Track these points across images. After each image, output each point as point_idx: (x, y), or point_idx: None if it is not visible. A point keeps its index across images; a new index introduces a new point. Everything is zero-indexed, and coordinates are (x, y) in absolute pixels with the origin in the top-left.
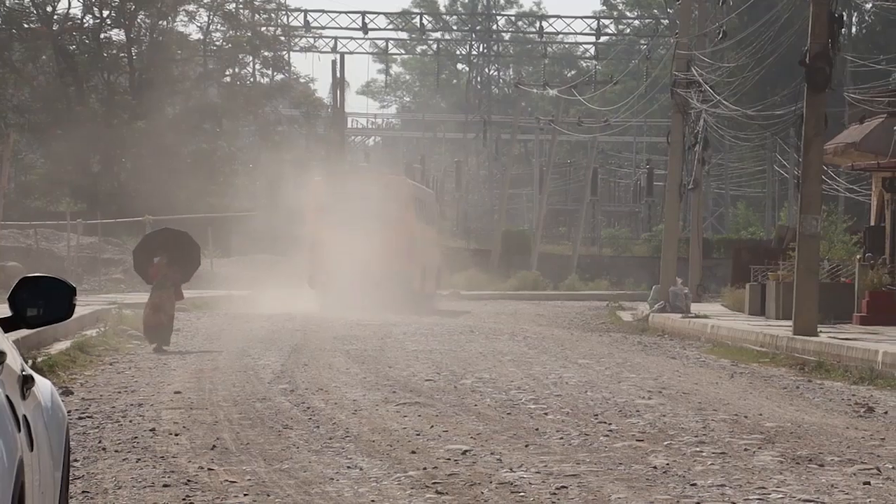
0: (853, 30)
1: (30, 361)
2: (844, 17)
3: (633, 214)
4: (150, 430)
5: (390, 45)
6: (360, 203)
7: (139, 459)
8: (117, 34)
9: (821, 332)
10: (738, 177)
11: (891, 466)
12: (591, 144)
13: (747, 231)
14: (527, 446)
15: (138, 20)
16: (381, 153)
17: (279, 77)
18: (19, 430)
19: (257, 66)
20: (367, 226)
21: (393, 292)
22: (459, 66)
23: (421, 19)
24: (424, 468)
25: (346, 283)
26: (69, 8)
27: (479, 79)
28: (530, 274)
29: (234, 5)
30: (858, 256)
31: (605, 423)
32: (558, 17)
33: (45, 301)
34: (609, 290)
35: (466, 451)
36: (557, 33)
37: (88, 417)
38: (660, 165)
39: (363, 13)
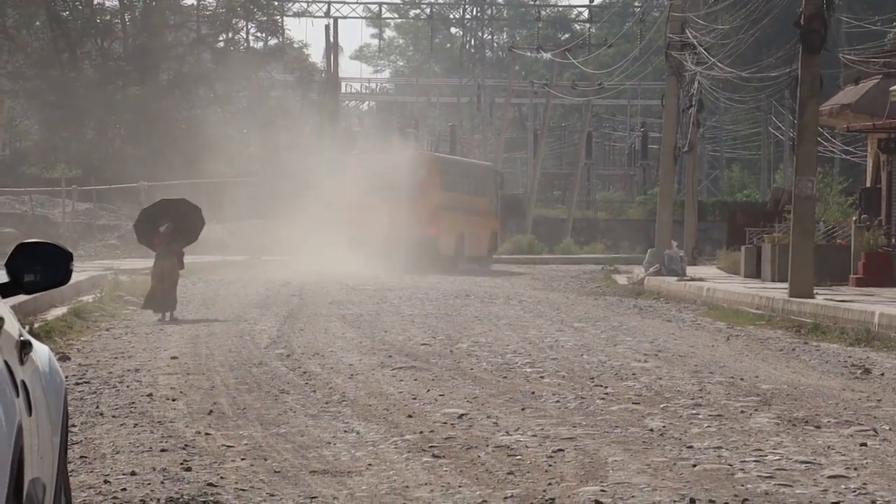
0: None
1: (27, 327)
2: None
3: (628, 177)
4: (148, 396)
5: (383, 10)
6: (390, 176)
7: (136, 424)
8: (111, 0)
9: (817, 294)
10: (733, 139)
11: (887, 427)
12: (585, 108)
13: (742, 193)
14: (523, 410)
15: None
16: (376, 118)
17: (273, 42)
18: (18, 395)
19: (251, 31)
20: (395, 196)
21: (417, 254)
22: (453, 30)
23: None
24: (421, 432)
25: (378, 245)
26: None
27: (472, 43)
28: (525, 238)
29: None
30: (854, 218)
31: (601, 386)
32: None
33: (42, 266)
34: (604, 253)
35: (463, 414)
36: None
37: (86, 383)
38: (654, 128)
39: None
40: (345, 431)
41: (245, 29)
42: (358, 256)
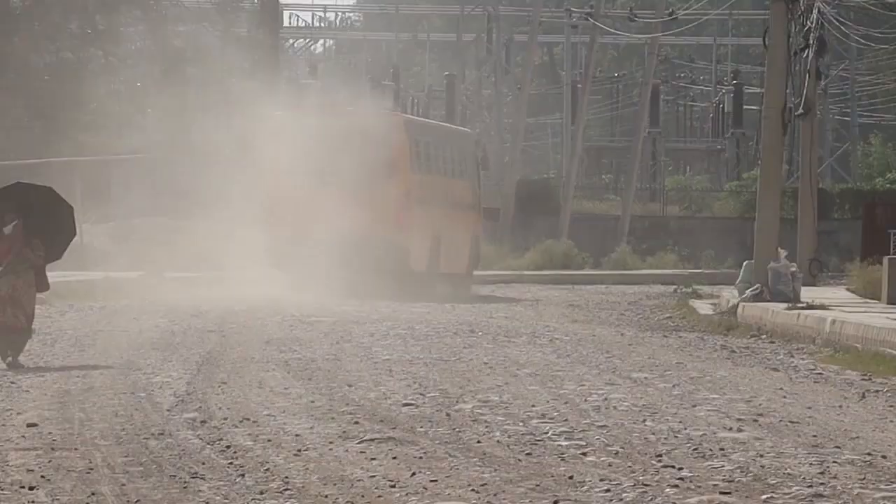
0: None
1: None
2: None
3: (712, 155)
4: None
5: None
6: (336, 150)
7: None
8: None
9: None
10: (871, 97)
11: None
12: (649, 50)
13: (885, 178)
14: (556, 503)
15: None
16: (335, 64)
17: None
18: None
19: None
20: (344, 180)
21: (378, 269)
22: None
23: None
24: None
25: (315, 257)
26: None
27: None
28: (558, 244)
29: None
30: None
31: (672, 467)
32: None
33: None
34: (678, 268)
35: None
36: None
37: None
38: (753, 81)
39: None
40: None
41: None
42: (287, 274)
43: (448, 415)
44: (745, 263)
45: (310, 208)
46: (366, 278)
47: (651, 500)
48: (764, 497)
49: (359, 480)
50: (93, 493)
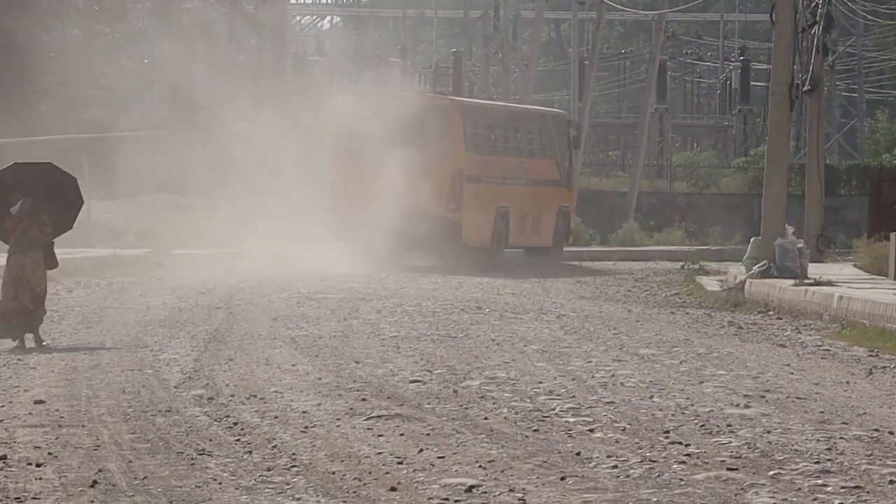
0: None
1: None
2: None
3: (720, 131)
4: (0, 459)
5: None
6: (395, 131)
7: None
8: None
9: None
10: (878, 73)
11: None
12: (656, 26)
13: (892, 154)
14: (563, 479)
15: None
16: (342, 41)
17: None
18: None
19: None
20: (402, 160)
21: (432, 244)
22: None
23: None
24: None
25: (375, 233)
26: None
27: None
28: None
29: None
30: None
31: (679, 443)
32: None
33: None
34: (685, 244)
35: (473, 486)
36: None
37: None
38: (760, 57)
39: None
40: None
41: None
42: (340, 247)
43: (455, 391)
44: (752, 240)
45: (371, 186)
46: (422, 252)
47: (658, 476)
48: (771, 473)
49: (366, 457)
50: (100, 470)
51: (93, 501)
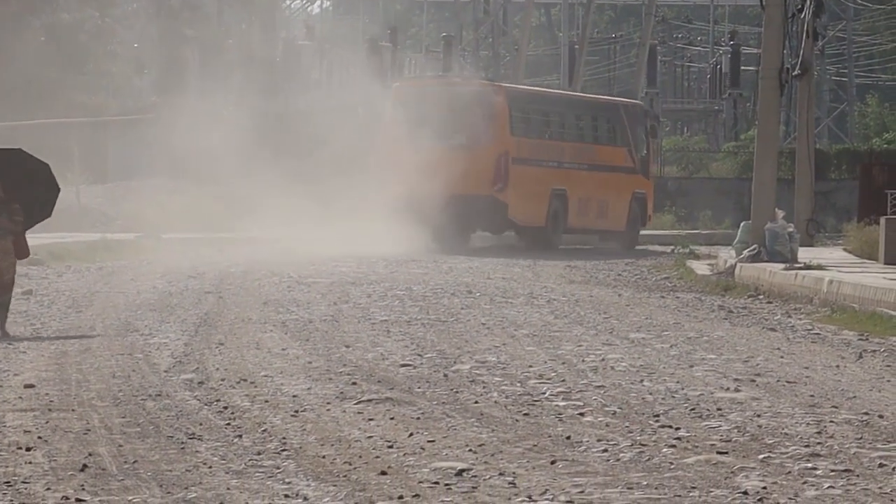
0: None
1: None
2: None
3: (710, 115)
4: None
5: None
6: (446, 116)
7: None
8: None
9: None
10: (868, 58)
11: None
12: (646, 10)
13: (882, 139)
14: (553, 463)
15: None
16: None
17: None
18: None
19: None
20: (453, 144)
21: (481, 222)
22: None
23: None
24: (400, 497)
25: (427, 213)
26: None
27: None
28: None
29: None
30: None
31: (670, 427)
32: None
33: None
34: (675, 228)
35: (463, 470)
36: None
37: None
38: (750, 41)
39: None
40: (286, 497)
41: None
42: (393, 225)
43: (446, 375)
44: (742, 224)
45: (425, 168)
46: (471, 231)
47: (648, 459)
48: (761, 457)
49: (356, 441)
50: (90, 454)
51: (83, 485)
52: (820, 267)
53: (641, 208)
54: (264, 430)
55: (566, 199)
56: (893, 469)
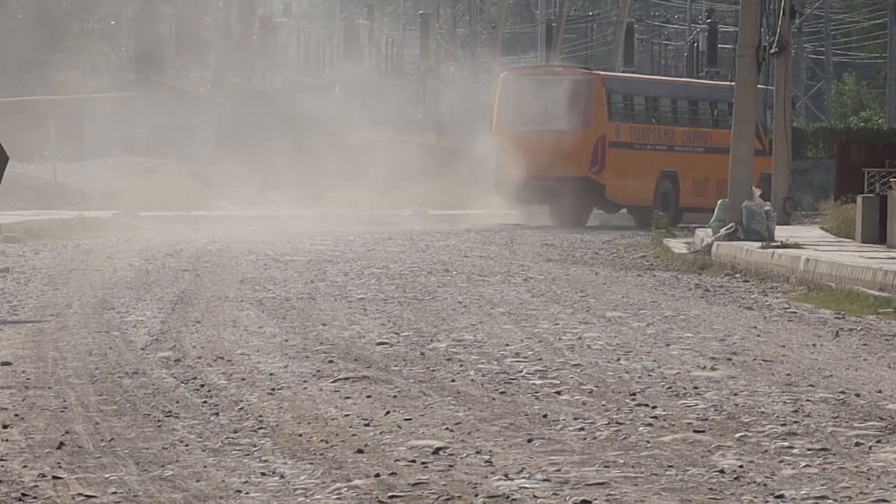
0: None
1: None
2: None
3: None
4: None
5: None
6: (549, 103)
7: None
8: None
9: None
10: (845, 35)
11: None
12: None
13: (859, 117)
14: (530, 441)
15: None
16: (309, 3)
17: None
18: None
19: None
20: (555, 128)
21: (579, 202)
22: None
23: None
24: (377, 475)
25: (535, 192)
26: None
27: None
28: None
29: None
30: None
31: (646, 405)
32: None
33: None
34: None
35: (439, 448)
36: None
37: None
38: (727, 19)
39: None
40: (262, 474)
41: None
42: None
43: (422, 354)
44: (719, 202)
45: (530, 151)
46: (587, 211)
47: (625, 438)
48: (738, 435)
49: (333, 419)
50: (67, 432)
51: (59, 463)
52: (797, 245)
53: (767, 188)
54: (241, 408)
55: (677, 179)
56: (870, 448)
